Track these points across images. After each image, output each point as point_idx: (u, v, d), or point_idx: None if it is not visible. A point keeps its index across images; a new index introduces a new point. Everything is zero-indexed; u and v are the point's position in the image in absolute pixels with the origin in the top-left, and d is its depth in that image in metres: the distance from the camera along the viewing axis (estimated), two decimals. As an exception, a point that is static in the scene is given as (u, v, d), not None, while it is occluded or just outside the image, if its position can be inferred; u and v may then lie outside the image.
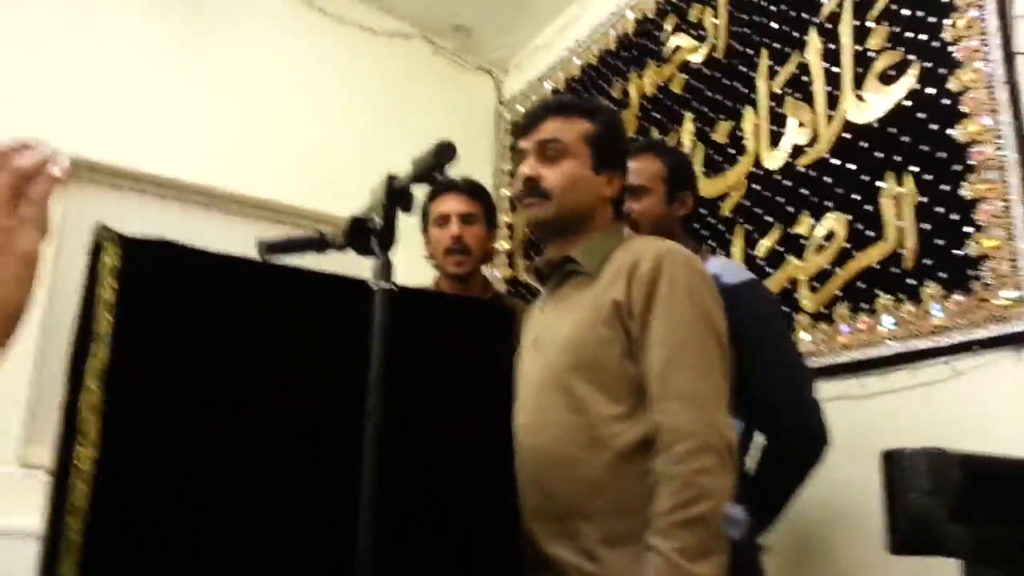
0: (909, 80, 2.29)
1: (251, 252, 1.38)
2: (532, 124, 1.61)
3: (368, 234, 1.23)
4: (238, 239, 3.58)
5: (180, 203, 3.75)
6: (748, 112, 2.85)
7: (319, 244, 1.57)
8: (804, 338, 2.42)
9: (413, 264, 2.13)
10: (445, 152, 1.19)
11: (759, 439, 1.84)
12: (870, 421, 2.10)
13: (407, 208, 1.25)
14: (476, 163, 4.54)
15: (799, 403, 1.80)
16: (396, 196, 1.23)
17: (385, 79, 4.39)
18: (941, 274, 2.10)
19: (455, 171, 2.38)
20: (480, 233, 2.23)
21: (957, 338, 2.03)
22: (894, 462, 0.69)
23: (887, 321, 2.21)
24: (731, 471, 1.35)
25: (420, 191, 1.30)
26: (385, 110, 4.30)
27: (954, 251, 2.08)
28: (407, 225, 1.40)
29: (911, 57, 2.30)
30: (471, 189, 2.27)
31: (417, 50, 4.57)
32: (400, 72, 4.43)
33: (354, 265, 1.24)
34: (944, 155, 2.16)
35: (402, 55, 4.50)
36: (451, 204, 2.22)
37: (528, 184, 1.57)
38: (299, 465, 1.16)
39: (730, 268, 1.93)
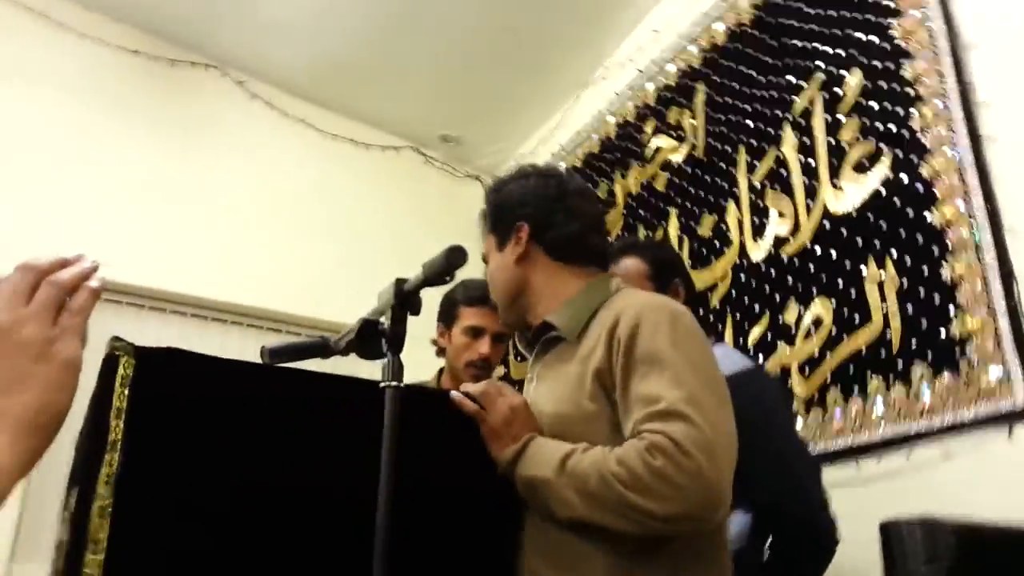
0: (883, 169, 2.37)
1: (252, 360, 1.41)
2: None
3: (378, 336, 1.26)
4: (235, 348, 3.70)
5: (178, 316, 3.80)
6: (731, 206, 2.93)
7: (322, 349, 1.58)
8: (798, 424, 2.43)
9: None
10: (456, 256, 1.22)
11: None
12: (868, 505, 2.07)
13: (415, 311, 1.28)
14: (467, 267, 4.62)
15: (805, 502, 1.73)
16: (405, 299, 1.26)
17: (377, 190, 4.52)
18: (928, 355, 2.13)
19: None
20: (503, 351, 2.27)
21: (947, 419, 2.04)
22: (891, 533, 0.70)
23: (879, 404, 2.22)
24: (676, 503, 1.13)
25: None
26: (378, 219, 4.41)
27: (939, 332, 2.11)
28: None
29: (883, 147, 2.38)
30: None
31: (408, 161, 4.72)
32: (391, 183, 4.57)
33: (352, 371, 1.26)
34: (921, 239, 2.21)
35: (393, 166, 4.65)
36: (489, 320, 2.16)
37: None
38: (312, 567, 1.16)
39: (729, 357, 1.92)
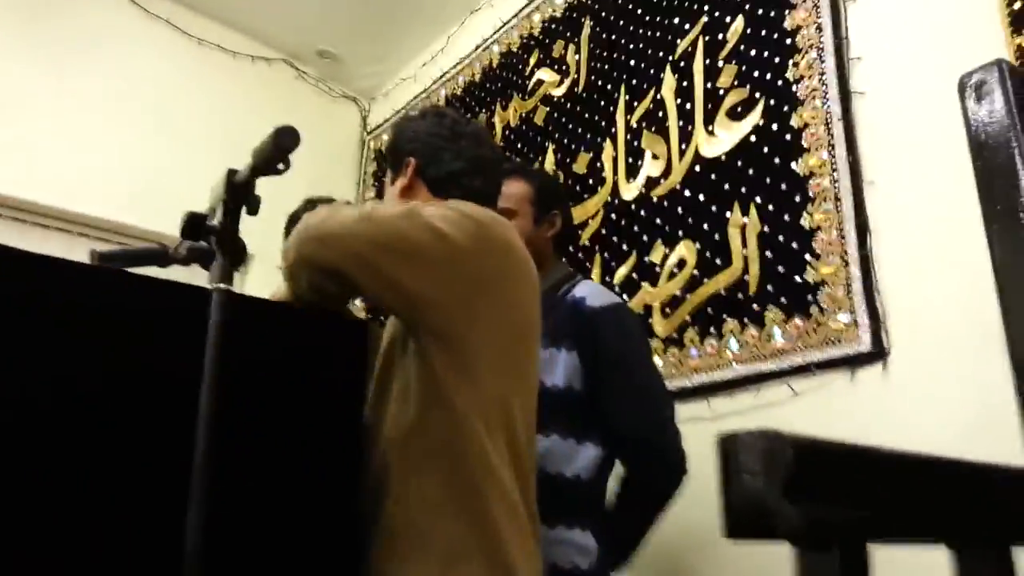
0: (755, 116, 2.41)
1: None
2: None
3: (206, 233, 1.13)
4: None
5: (22, 224, 3.51)
6: (607, 144, 2.92)
7: (159, 257, 1.46)
8: (657, 362, 2.46)
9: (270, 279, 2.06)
10: (285, 137, 1.08)
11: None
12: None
13: (252, 209, 1.15)
14: (339, 190, 4.48)
15: (661, 434, 1.78)
16: (237, 191, 1.13)
17: (245, 103, 4.26)
18: (782, 299, 2.19)
19: (319, 192, 2.34)
20: None
21: (797, 360, 2.12)
22: (727, 445, 0.66)
23: (733, 345, 2.29)
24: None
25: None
26: (245, 133, 4.14)
27: (794, 277, 2.18)
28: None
29: (757, 94, 2.42)
30: None
31: (279, 74, 4.48)
32: (259, 95, 4.31)
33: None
34: (785, 187, 2.26)
35: (263, 78, 4.40)
36: None
37: None
38: (126, 467, 1.06)
39: (595, 291, 1.92)
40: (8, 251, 1.06)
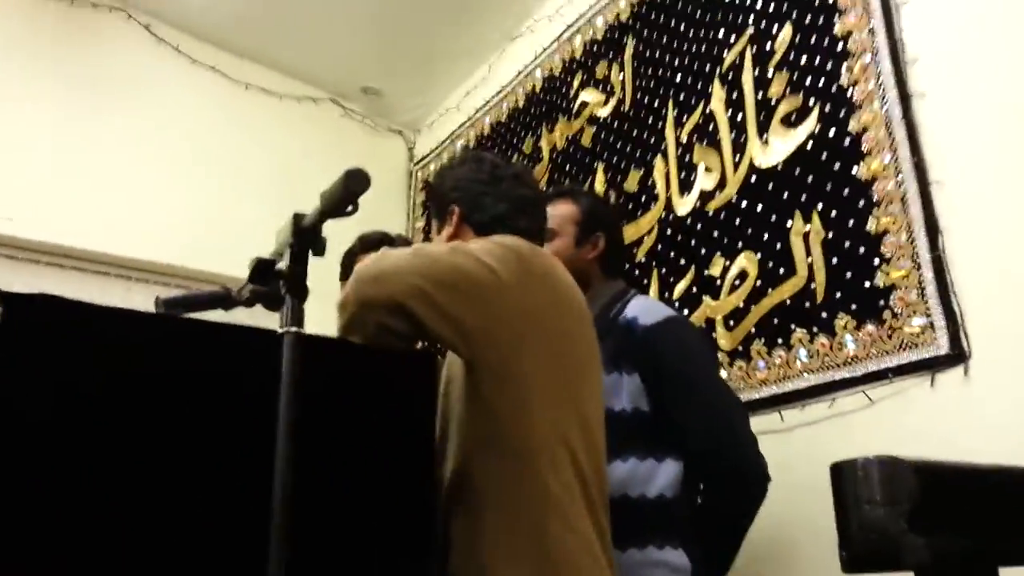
0: (810, 123, 2.38)
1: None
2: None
3: (274, 277, 1.13)
4: (142, 308, 3.49)
5: (79, 272, 3.59)
6: (657, 160, 2.91)
7: (222, 300, 1.46)
8: (723, 375, 2.43)
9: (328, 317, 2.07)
10: (355, 180, 1.07)
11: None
12: (792, 455, 2.09)
13: (319, 250, 1.15)
14: (389, 222, 4.51)
15: (734, 446, 1.74)
16: (304, 235, 1.13)
17: (294, 143, 4.32)
18: (852, 306, 2.15)
19: (369, 227, 2.36)
20: None
21: (871, 367, 2.06)
22: (845, 474, 0.63)
23: (802, 354, 2.24)
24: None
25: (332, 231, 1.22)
26: (295, 173, 4.22)
27: (864, 283, 2.13)
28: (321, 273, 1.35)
29: (811, 101, 2.39)
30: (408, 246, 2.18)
31: (326, 113, 4.55)
32: (308, 136, 4.38)
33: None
34: (848, 192, 2.22)
35: (311, 118, 4.47)
36: None
37: None
38: (207, 518, 1.07)
39: (648, 308, 1.90)
40: (78, 306, 1.07)
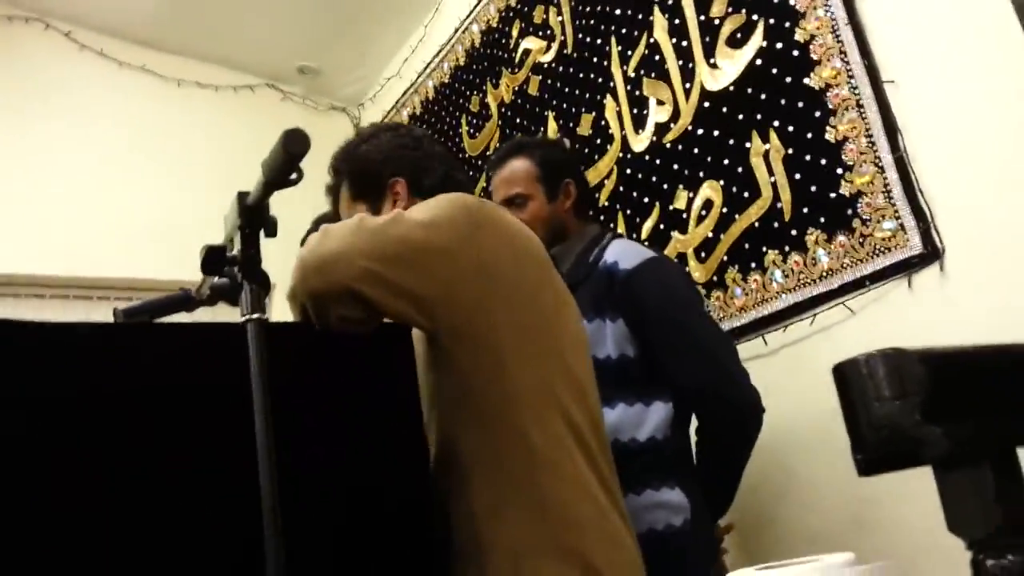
0: (756, 40, 2.32)
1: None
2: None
3: (227, 264, 1.06)
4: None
5: (11, 297, 3.48)
6: (608, 100, 2.84)
7: (184, 302, 1.41)
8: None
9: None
10: (293, 140, 0.98)
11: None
12: (779, 377, 2.07)
13: (270, 231, 1.08)
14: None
15: (728, 382, 1.72)
16: (251, 214, 1.05)
17: (236, 134, 4.20)
18: (821, 219, 2.11)
19: (319, 208, 2.28)
20: None
21: (847, 278, 2.03)
22: (848, 373, 0.59)
23: (778, 275, 2.21)
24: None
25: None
26: (241, 165, 4.09)
27: (829, 194, 2.09)
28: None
29: (755, 17, 2.33)
30: None
31: (266, 99, 4.43)
32: (251, 124, 4.25)
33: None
34: (803, 104, 2.18)
35: (250, 106, 4.35)
36: None
37: None
38: (193, 539, 1.02)
39: (627, 251, 1.85)
40: (32, 326, 1.00)
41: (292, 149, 0.98)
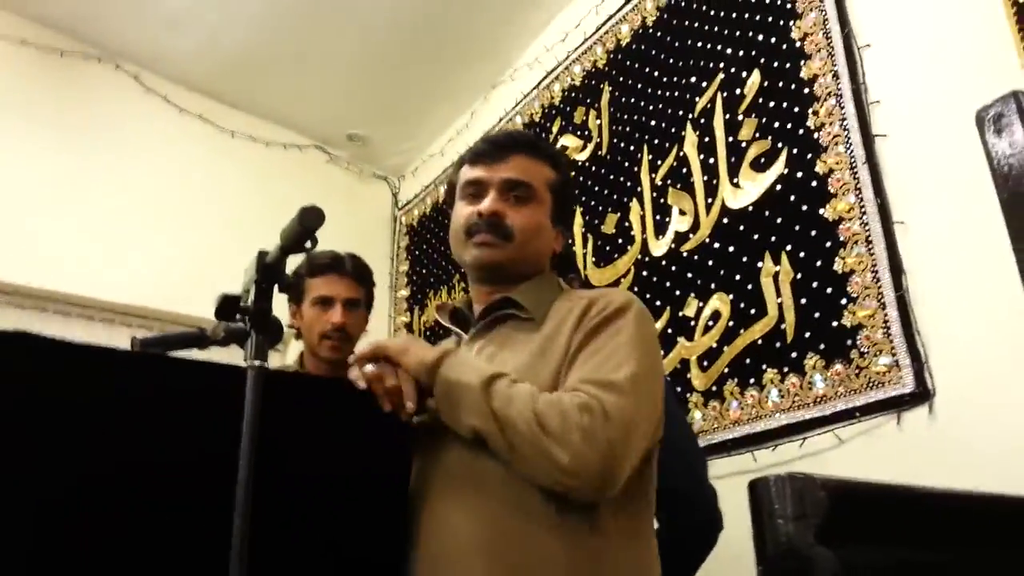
0: (779, 166, 2.42)
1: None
2: (497, 156, 1.40)
3: (239, 312, 1.14)
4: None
5: (63, 316, 3.62)
6: (634, 204, 2.95)
7: (198, 339, 1.48)
8: (696, 416, 2.44)
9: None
10: (309, 216, 1.09)
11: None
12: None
13: (284, 287, 1.17)
14: (373, 267, 4.53)
15: (701, 491, 1.76)
16: (267, 271, 1.14)
17: (279, 189, 4.36)
18: (821, 345, 2.17)
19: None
20: (362, 320, 2.10)
21: (839, 407, 2.08)
22: (759, 490, 0.66)
23: (774, 394, 2.25)
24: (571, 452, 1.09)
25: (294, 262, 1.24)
26: (280, 220, 4.22)
27: (831, 323, 2.15)
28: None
29: (780, 144, 2.43)
30: (358, 274, 2.11)
31: (312, 160, 4.60)
32: (295, 182, 4.42)
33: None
34: (815, 233, 2.26)
35: (297, 165, 4.52)
36: (337, 288, 2.06)
37: (491, 221, 1.36)
38: (167, 551, 1.07)
39: None
40: (52, 342, 1.09)
41: (307, 224, 1.10)
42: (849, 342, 2.10)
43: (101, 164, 3.85)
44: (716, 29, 2.78)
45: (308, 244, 1.13)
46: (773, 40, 2.55)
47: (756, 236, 2.43)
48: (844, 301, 2.14)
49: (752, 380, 2.33)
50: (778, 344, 2.28)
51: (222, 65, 4.15)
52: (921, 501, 0.70)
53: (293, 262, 1.21)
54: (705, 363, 2.48)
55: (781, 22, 2.54)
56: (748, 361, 2.35)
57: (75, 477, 1.03)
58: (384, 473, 1.27)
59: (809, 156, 2.34)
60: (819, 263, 2.23)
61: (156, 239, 3.86)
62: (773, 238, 2.38)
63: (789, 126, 2.42)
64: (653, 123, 2.96)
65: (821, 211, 2.26)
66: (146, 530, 1.06)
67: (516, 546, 1.15)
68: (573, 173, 3.30)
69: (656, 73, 3.00)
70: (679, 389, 2.52)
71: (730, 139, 2.61)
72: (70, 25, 3.89)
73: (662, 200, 2.83)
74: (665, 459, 1.73)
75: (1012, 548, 0.67)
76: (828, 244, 2.22)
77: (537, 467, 1.11)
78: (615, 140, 3.13)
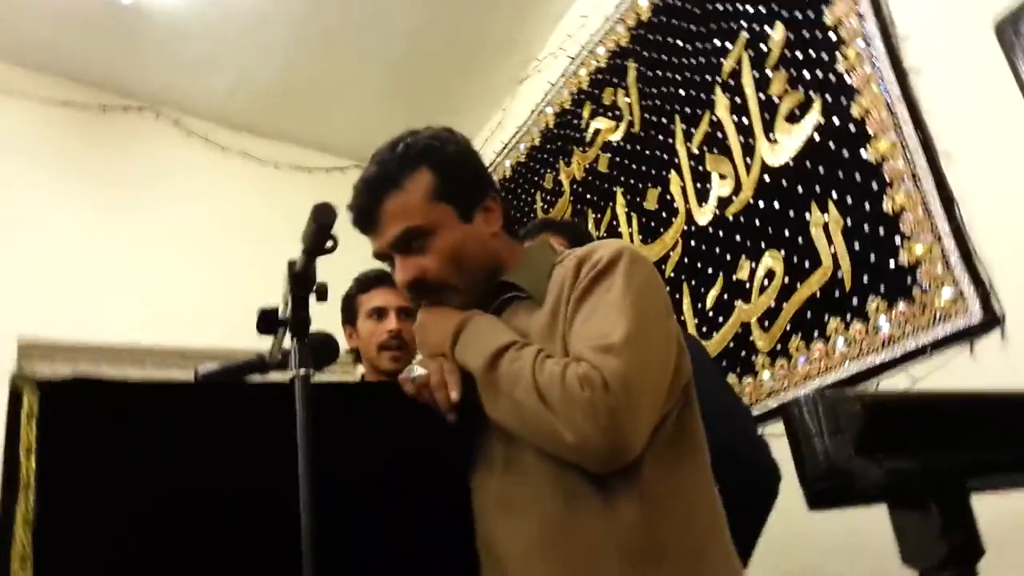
0: (814, 116, 2.39)
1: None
2: (368, 224, 1.31)
3: (279, 325, 1.16)
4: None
5: (137, 368, 3.72)
6: (673, 176, 2.94)
7: (259, 365, 1.51)
8: (765, 376, 2.42)
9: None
10: (320, 213, 1.09)
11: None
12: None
13: (321, 295, 1.17)
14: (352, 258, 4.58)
15: (749, 446, 1.73)
16: (299, 280, 1.15)
17: (326, 212, 4.42)
18: (881, 288, 2.13)
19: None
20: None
21: (909, 346, 2.04)
22: (791, 413, 0.66)
23: (840, 343, 2.23)
24: (578, 421, 1.05)
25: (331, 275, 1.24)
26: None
27: (889, 263, 2.12)
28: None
29: (812, 94, 2.40)
30: None
31: (354, 179, 4.66)
32: (341, 203, 4.47)
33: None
34: (860, 177, 2.23)
35: (342, 187, 4.57)
36: (387, 297, 2.07)
37: (415, 286, 1.29)
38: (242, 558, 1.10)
39: None
40: (109, 383, 1.14)
41: (320, 220, 1.10)
42: (909, 280, 2.06)
43: (150, 212, 3.97)
44: (733, -11, 2.75)
45: (330, 244, 1.13)
46: (792, -10, 2.52)
47: (800, 189, 2.41)
48: (898, 240, 2.10)
49: (816, 333, 2.30)
50: (837, 293, 2.25)
51: (258, 100, 4.26)
52: (959, 404, 0.70)
53: (331, 276, 1.22)
54: (766, 323, 2.46)
55: (797, -29, 2.51)
56: (809, 315, 2.33)
57: (152, 496, 1.08)
58: (443, 473, 1.26)
59: (844, 100, 2.30)
60: (868, 206, 2.19)
61: (211, 278, 3.95)
62: (818, 188, 2.35)
63: (819, 74, 2.39)
64: (682, 92, 2.94)
65: (863, 154, 2.23)
66: (220, 539, 1.09)
67: (567, 540, 1.13)
68: (609, 154, 3.30)
69: (680, 42, 2.99)
70: (743, 353, 2.51)
71: (761, 96, 2.59)
72: (109, 80, 4.04)
73: (700, 168, 2.81)
74: (712, 423, 1.72)
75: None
76: (874, 186, 2.18)
77: (548, 444, 1.11)
78: (647, 115, 3.12)
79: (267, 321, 1.15)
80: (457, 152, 1.36)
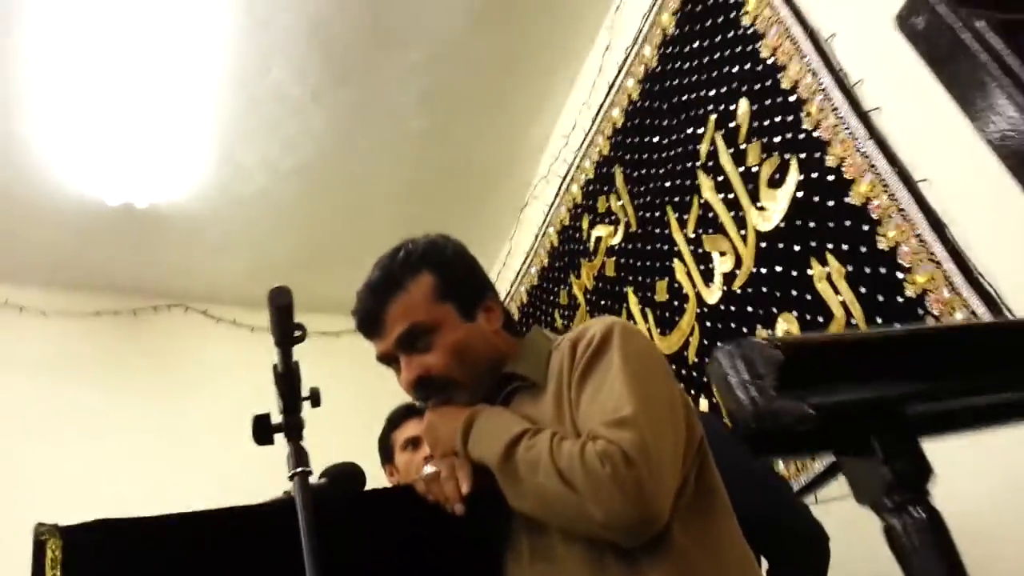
0: (794, 175, 2.42)
1: None
2: (373, 330, 1.34)
3: (273, 431, 1.17)
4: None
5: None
6: (676, 263, 2.96)
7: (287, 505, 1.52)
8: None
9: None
10: (275, 295, 1.11)
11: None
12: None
13: (315, 402, 1.19)
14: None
15: (790, 514, 1.68)
16: (284, 380, 1.17)
17: (362, 373, 4.46)
18: (895, 325, 2.09)
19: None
20: None
21: (936, 377, 1.98)
22: (711, 370, 0.67)
23: (868, 390, 2.16)
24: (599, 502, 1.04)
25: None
26: (369, 400, 4.32)
27: (896, 299, 2.09)
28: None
29: (787, 156, 2.45)
30: None
31: (381, 335, 4.75)
32: (368, 364, 4.53)
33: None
34: (849, 222, 2.23)
35: (365, 348, 4.66)
36: (419, 427, 1.99)
37: (420, 384, 1.30)
38: None
39: None
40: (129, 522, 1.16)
41: (276, 302, 1.11)
42: (920, 311, 2.02)
43: (191, 405, 4.05)
44: (695, 79, 2.87)
45: (297, 333, 1.14)
46: (748, 66, 2.62)
47: (797, 247, 2.41)
48: (900, 274, 2.08)
49: (843, 385, 2.24)
50: (854, 340, 2.20)
51: (276, 276, 4.36)
52: (883, 340, 0.69)
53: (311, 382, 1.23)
54: (793, 386, 2.41)
55: (749, 47, 2.61)
56: (832, 368, 2.27)
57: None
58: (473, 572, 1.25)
59: (818, 154, 2.34)
60: (864, 248, 2.18)
61: (255, 463, 3.96)
62: (812, 243, 2.35)
63: (789, 135, 2.44)
64: (668, 184, 3.01)
65: (847, 199, 2.24)
66: None
67: None
68: (613, 258, 3.35)
69: (656, 139, 3.09)
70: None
71: (741, 169, 2.64)
72: (136, 284, 4.23)
73: (700, 250, 2.84)
74: (751, 493, 1.66)
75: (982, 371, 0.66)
76: (865, 227, 2.18)
77: (576, 525, 1.09)
78: (641, 213, 3.18)
79: (261, 429, 1.16)
80: (456, 254, 1.41)
